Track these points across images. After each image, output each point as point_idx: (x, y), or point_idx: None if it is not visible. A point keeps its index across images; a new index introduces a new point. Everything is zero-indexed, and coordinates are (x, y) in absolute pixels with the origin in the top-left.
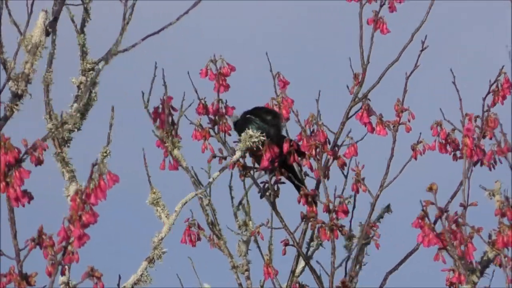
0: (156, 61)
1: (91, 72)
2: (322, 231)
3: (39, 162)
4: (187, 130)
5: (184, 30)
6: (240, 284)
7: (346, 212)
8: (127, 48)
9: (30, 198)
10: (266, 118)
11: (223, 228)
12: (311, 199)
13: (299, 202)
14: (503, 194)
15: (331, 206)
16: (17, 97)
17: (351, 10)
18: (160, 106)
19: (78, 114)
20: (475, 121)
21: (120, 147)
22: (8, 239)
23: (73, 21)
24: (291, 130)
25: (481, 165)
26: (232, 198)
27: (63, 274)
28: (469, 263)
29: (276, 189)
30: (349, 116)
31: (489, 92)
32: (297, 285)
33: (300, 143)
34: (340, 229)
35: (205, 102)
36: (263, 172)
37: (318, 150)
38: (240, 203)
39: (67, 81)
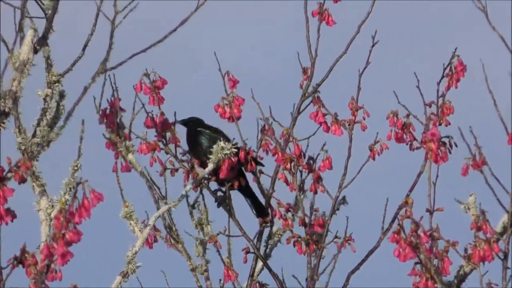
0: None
1: (56, 84)
2: (298, 245)
3: (22, 180)
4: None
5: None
6: (200, 286)
7: (322, 226)
8: (114, 66)
9: (13, 216)
10: (216, 129)
11: (180, 229)
12: (285, 212)
13: (274, 216)
14: (478, 207)
15: (307, 220)
16: (3, 115)
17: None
18: (108, 107)
19: (47, 128)
20: (430, 107)
21: (91, 160)
22: None
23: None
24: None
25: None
26: (187, 196)
27: None
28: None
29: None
30: (300, 111)
31: (443, 76)
32: (257, 284)
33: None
34: (317, 242)
35: (152, 115)
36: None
37: (293, 163)
38: (195, 201)
39: (33, 94)
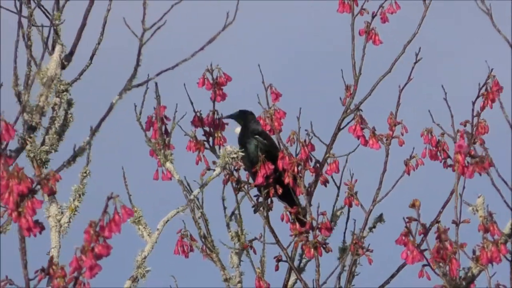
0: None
1: (64, 93)
2: (306, 248)
3: (52, 192)
4: (181, 141)
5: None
6: None
7: (329, 229)
8: (141, 83)
9: (42, 228)
10: (267, 135)
11: (215, 240)
12: (293, 216)
13: (282, 219)
14: (486, 209)
15: (314, 224)
16: (31, 129)
17: (343, 21)
18: (154, 116)
19: (55, 136)
20: (465, 126)
21: (99, 167)
22: (18, 269)
23: (45, 42)
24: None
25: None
26: (224, 208)
27: None
28: (453, 279)
29: (269, 203)
30: (341, 128)
31: (478, 96)
32: None
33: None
34: (324, 246)
35: (201, 114)
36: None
37: (300, 167)
38: (232, 213)
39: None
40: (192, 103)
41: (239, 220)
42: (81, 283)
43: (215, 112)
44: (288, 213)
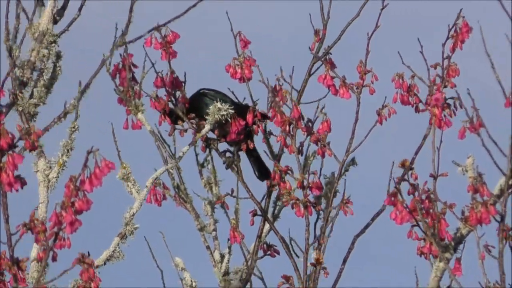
0: (117, 23)
1: (53, 45)
2: (297, 207)
3: (34, 147)
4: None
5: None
6: (208, 247)
7: (320, 188)
8: (132, 40)
9: (23, 183)
10: (218, 91)
11: (188, 189)
12: (284, 175)
13: (273, 178)
14: (476, 169)
15: (305, 182)
16: (22, 84)
17: None
18: (121, 63)
19: (44, 89)
20: (435, 69)
21: (88, 122)
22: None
23: None
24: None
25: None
26: (196, 155)
27: (54, 259)
28: (442, 240)
29: (238, 159)
30: (311, 73)
31: (448, 38)
32: (265, 245)
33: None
34: (314, 205)
35: (162, 74)
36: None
37: (292, 126)
38: (205, 160)
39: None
40: (153, 64)
41: (212, 170)
42: (61, 238)
43: (173, 72)
44: (278, 171)
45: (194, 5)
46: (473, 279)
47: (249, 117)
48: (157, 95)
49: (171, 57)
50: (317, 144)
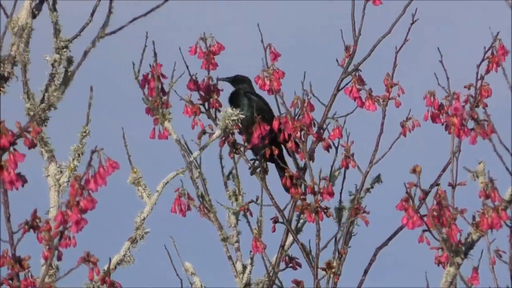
0: (147, 32)
1: (64, 50)
2: (307, 213)
3: (32, 145)
4: (177, 105)
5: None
6: (229, 257)
7: (331, 194)
8: (114, 30)
9: (24, 181)
10: (260, 96)
11: (213, 200)
12: (295, 181)
13: (284, 184)
14: (487, 175)
15: (316, 188)
16: (3, 79)
17: None
18: (150, 73)
19: (59, 93)
20: (469, 89)
21: (99, 127)
22: (1, 222)
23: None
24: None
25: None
26: (222, 167)
27: (59, 259)
28: (453, 245)
29: (265, 166)
30: (340, 89)
31: (483, 59)
32: (287, 258)
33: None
34: (325, 211)
35: (196, 78)
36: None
37: (303, 132)
38: (230, 172)
39: (41, 59)
40: (187, 67)
41: (236, 180)
42: (67, 237)
43: (210, 78)
44: (289, 177)
45: None
46: (484, 283)
47: (275, 124)
48: (190, 100)
49: (211, 68)
50: (328, 151)
